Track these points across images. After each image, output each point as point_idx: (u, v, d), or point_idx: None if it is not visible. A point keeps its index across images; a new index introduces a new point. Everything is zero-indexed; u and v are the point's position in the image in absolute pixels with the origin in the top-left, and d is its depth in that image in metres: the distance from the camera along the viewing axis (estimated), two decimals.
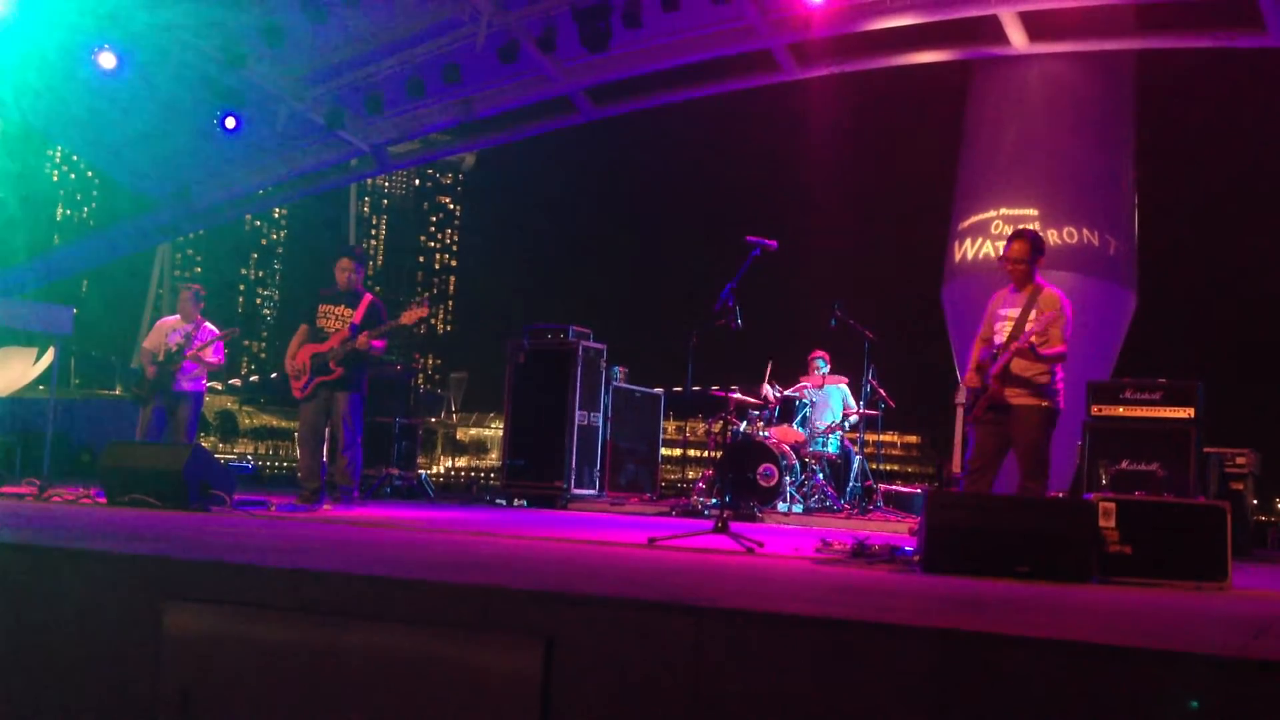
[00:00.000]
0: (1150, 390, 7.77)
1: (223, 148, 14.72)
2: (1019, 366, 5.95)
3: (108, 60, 11.97)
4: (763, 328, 8.10)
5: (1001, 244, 12.85)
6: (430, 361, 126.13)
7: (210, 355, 8.74)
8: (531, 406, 10.05)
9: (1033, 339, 5.87)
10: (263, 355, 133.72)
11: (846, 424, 10.14)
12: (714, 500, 8.85)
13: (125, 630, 3.22)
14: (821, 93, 14.79)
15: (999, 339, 6.09)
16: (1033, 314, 5.99)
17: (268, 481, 16.50)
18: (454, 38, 12.71)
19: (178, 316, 8.98)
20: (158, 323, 9.17)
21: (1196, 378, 7.80)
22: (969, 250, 13.11)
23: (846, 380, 10.29)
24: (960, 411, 9.81)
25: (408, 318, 7.66)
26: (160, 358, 8.67)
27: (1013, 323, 6.06)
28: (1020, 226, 6.35)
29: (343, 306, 7.68)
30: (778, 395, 9.81)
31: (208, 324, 8.92)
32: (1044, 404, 5.96)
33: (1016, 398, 5.96)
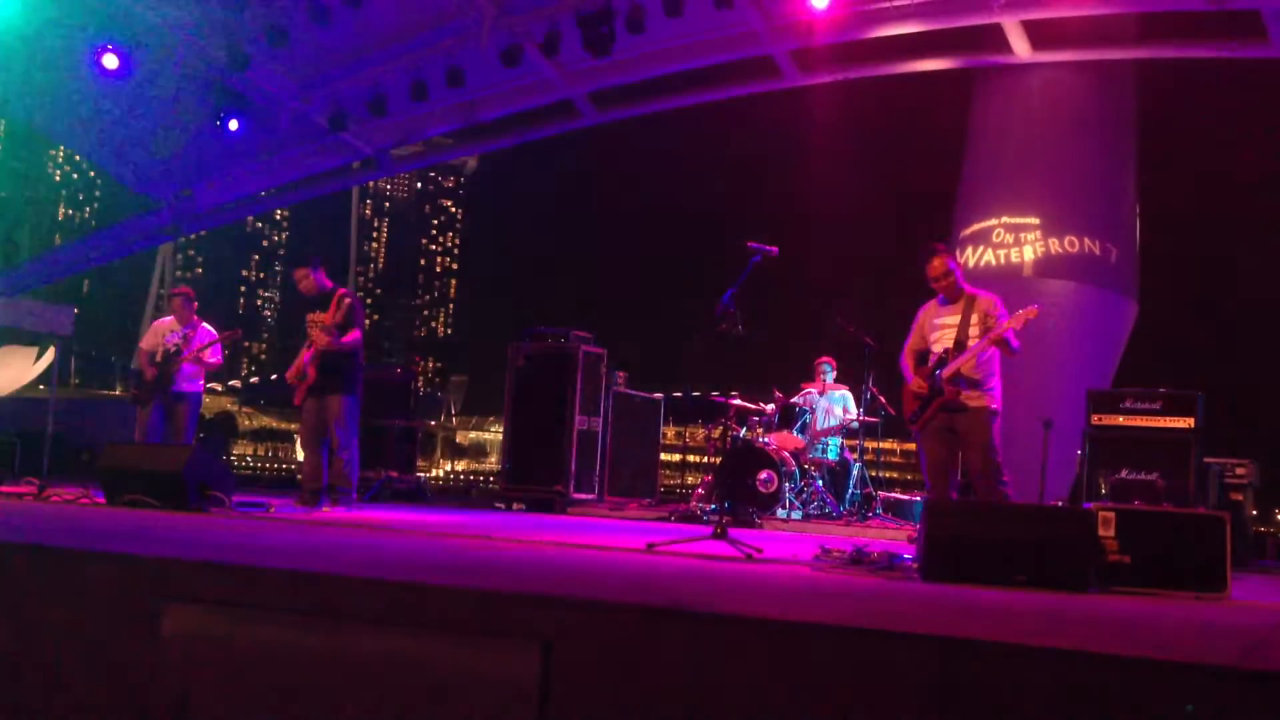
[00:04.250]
0: (1150, 400, 7.77)
1: (225, 148, 14.76)
2: (969, 367, 6.04)
3: (111, 61, 12.00)
4: (764, 334, 8.10)
5: (1003, 252, 13.00)
6: (430, 364, 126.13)
7: (209, 356, 8.74)
8: (531, 410, 10.04)
9: (1003, 330, 5.96)
10: (263, 357, 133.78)
11: (845, 430, 10.14)
12: (713, 506, 8.84)
13: (123, 631, 3.21)
14: (824, 99, 14.81)
15: (938, 347, 6.18)
16: (974, 317, 6.12)
17: (267, 483, 16.50)
18: (457, 41, 12.74)
19: (173, 318, 8.96)
20: (154, 324, 9.14)
21: (1197, 388, 7.80)
22: (970, 258, 13.11)
23: (848, 388, 10.31)
24: None
25: (348, 338, 7.61)
26: (158, 359, 8.66)
27: (954, 329, 6.16)
28: (932, 244, 6.47)
29: (319, 312, 7.72)
30: (778, 402, 9.82)
31: (205, 325, 8.91)
32: (992, 405, 6.09)
33: (973, 400, 6.05)
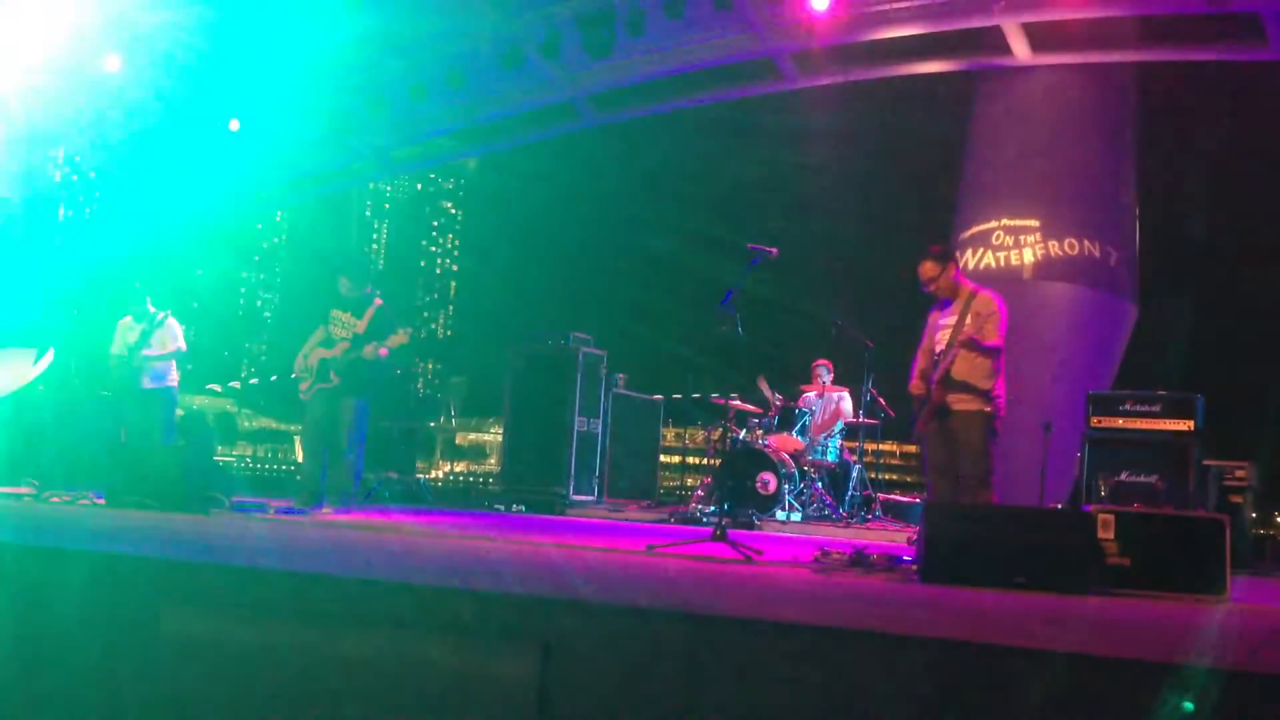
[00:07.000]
0: (1150, 402, 7.76)
1: (225, 149, 14.75)
2: (961, 370, 6.05)
3: (111, 62, 12.01)
4: (763, 335, 8.10)
5: (1003, 254, 13.01)
6: (430, 365, 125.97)
7: (170, 344, 8.67)
8: (531, 412, 10.04)
9: (970, 332, 5.94)
10: (263, 357, 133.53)
11: (844, 432, 10.13)
12: (712, 508, 8.84)
13: (123, 632, 3.21)
14: (824, 101, 14.80)
15: (939, 348, 6.18)
16: (969, 317, 6.13)
17: (267, 484, 16.48)
18: (459, 43, 12.75)
19: (129, 316, 8.87)
20: (119, 324, 9.01)
21: (1196, 390, 7.79)
22: (970, 260, 13.10)
23: (848, 390, 10.30)
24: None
25: (392, 342, 7.63)
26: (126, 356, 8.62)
27: (951, 329, 6.16)
28: (928, 248, 6.45)
29: (349, 314, 7.71)
30: (778, 403, 9.81)
31: (161, 314, 8.83)
32: (986, 409, 6.04)
33: (959, 403, 6.06)
